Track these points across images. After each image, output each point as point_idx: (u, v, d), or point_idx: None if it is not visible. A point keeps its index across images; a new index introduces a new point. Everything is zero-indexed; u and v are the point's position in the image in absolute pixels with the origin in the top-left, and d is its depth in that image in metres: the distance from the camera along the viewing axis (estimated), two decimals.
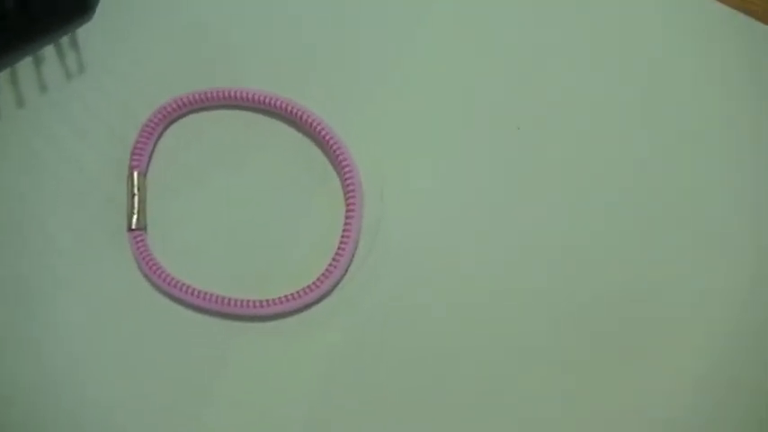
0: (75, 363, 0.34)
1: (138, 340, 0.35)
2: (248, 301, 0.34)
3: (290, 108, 0.36)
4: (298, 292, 0.34)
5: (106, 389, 0.34)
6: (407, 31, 0.38)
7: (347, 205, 0.35)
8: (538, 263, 0.35)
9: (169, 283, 0.34)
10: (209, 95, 0.36)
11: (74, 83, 0.37)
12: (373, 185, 0.36)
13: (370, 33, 0.37)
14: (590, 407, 0.34)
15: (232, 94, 0.36)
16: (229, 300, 0.34)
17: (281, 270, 0.35)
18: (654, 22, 0.38)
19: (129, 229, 0.35)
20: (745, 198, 0.36)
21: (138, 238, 0.35)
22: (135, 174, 0.35)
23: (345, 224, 0.35)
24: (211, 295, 0.34)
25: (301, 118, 0.36)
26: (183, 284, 0.34)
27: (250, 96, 0.36)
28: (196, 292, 0.34)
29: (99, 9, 0.37)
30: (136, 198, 0.35)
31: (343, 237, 0.35)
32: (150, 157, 0.36)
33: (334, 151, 0.35)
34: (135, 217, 0.35)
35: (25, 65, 0.36)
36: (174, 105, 0.36)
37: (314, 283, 0.35)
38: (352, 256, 0.35)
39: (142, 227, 0.35)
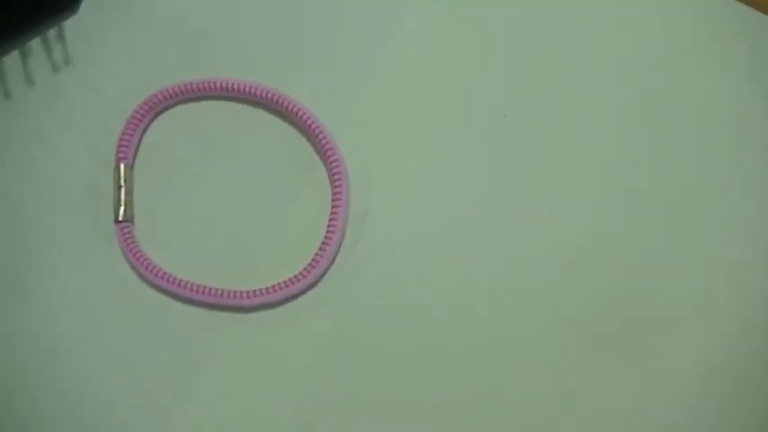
0: (61, 354, 0.34)
1: (125, 332, 0.35)
2: (235, 291, 0.34)
3: (275, 98, 0.35)
4: (285, 282, 0.34)
5: (91, 379, 0.34)
6: (396, 21, 0.37)
7: (333, 195, 0.35)
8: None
9: (156, 275, 0.34)
10: (194, 86, 0.36)
11: (61, 75, 0.37)
12: (360, 175, 0.36)
13: (358, 23, 0.37)
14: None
15: (218, 84, 0.36)
16: (216, 290, 0.34)
17: (268, 260, 0.35)
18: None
19: (116, 221, 0.35)
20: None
21: (125, 230, 0.35)
22: (121, 166, 0.35)
23: (332, 214, 0.35)
24: (197, 286, 0.34)
25: (287, 108, 0.35)
26: (170, 276, 0.34)
27: (236, 87, 0.36)
28: (182, 283, 0.34)
29: (85, 2, 0.37)
30: (122, 190, 0.35)
31: (329, 226, 0.35)
32: (137, 149, 0.36)
33: (320, 141, 0.35)
34: (122, 209, 0.35)
35: (12, 58, 0.36)
36: (160, 96, 0.36)
37: (300, 272, 0.34)
38: (339, 246, 0.35)
39: (129, 219, 0.35)
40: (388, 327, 0.34)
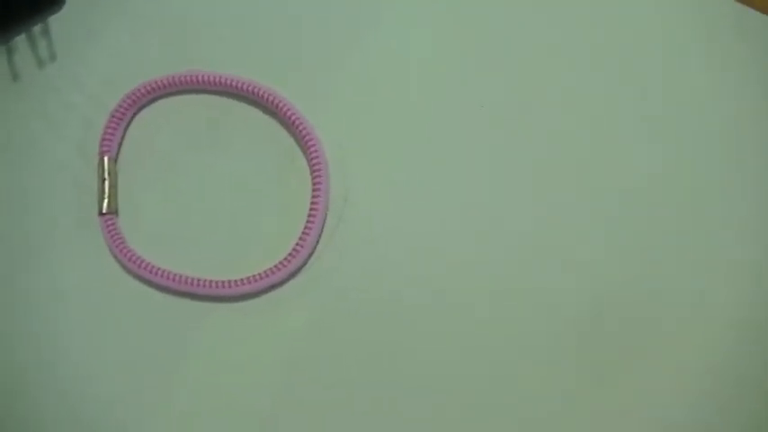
0: (45, 344, 0.35)
1: (110, 323, 0.35)
2: (217, 281, 0.35)
3: (257, 91, 0.36)
4: (266, 271, 0.35)
5: (75, 369, 0.35)
6: (376, 14, 0.38)
7: (313, 185, 0.35)
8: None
9: (139, 266, 0.35)
10: (176, 80, 0.36)
11: (46, 71, 0.37)
12: (340, 166, 0.36)
13: (337, 16, 0.38)
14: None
15: (199, 78, 0.36)
16: (198, 280, 0.35)
17: (251, 251, 0.36)
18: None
19: (100, 213, 0.35)
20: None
21: (109, 222, 0.35)
22: (105, 159, 0.36)
23: (312, 204, 0.35)
24: (180, 276, 0.35)
25: (268, 100, 0.36)
26: (154, 267, 0.35)
27: (218, 80, 0.36)
28: (166, 274, 0.35)
29: None
30: (106, 183, 0.36)
31: (309, 216, 0.35)
32: (121, 143, 0.37)
33: (301, 133, 0.36)
34: (105, 201, 0.36)
35: None
36: (143, 90, 0.36)
37: (281, 262, 0.35)
38: (320, 235, 0.35)
39: (113, 211, 0.36)
40: (369, 315, 0.35)
